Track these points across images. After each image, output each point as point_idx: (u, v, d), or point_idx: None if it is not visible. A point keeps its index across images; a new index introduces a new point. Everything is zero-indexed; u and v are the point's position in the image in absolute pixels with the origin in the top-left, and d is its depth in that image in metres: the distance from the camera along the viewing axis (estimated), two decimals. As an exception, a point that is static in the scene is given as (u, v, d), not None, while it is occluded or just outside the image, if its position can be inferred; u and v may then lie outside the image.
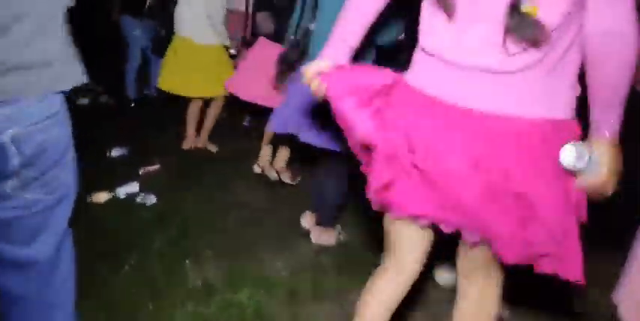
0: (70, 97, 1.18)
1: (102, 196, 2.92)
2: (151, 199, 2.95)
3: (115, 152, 3.61)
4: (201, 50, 3.55)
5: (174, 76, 3.60)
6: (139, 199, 2.94)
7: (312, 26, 2.25)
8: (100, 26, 4.79)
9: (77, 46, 1.14)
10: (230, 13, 3.64)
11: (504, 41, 1.10)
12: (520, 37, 1.08)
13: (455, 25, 1.18)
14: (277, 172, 3.31)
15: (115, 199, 2.93)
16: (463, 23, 1.17)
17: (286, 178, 3.31)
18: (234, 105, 4.13)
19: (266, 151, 3.40)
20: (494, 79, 1.15)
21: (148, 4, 4.10)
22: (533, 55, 1.11)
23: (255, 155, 3.47)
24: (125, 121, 4.34)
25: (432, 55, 1.24)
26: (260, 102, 3.05)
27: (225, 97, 3.76)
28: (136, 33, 4.40)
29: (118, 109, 4.70)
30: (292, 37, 2.38)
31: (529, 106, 1.15)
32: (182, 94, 3.68)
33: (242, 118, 4.54)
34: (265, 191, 3.21)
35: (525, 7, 1.07)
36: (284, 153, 3.31)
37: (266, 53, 2.86)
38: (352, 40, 1.37)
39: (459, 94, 1.19)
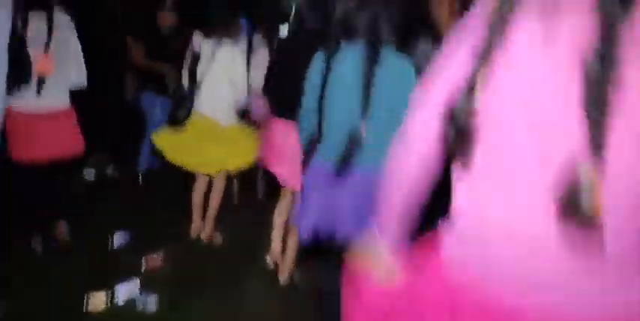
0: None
1: (99, 300, 2.65)
2: (152, 304, 2.67)
3: (118, 239, 3.34)
4: (224, 130, 3.30)
5: (191, 151, 3.29)
6: (139, 306, 2.66)
7: (362, 127, 1.96)
8: (113, 100, 4.64)
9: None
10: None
11: (558, 219, 0.84)
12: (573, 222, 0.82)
13: (494, 191, 0.94)
14: (288, 273, 2.98)
15: (114, 307, 2.65)
16: (504, 191, 0.92)
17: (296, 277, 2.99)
18: (248, 177, 3.88)
19: (277, 242, 3.09)
20: (550, 262, 0.88)
21: (173, 86, 3.85)
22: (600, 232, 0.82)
23: (269, 239, 3.15)
24: (131, 198, 4.10)
25: (470, 225, 0.99)
26: (282, 182, 2.86)
27: (228, 175, 3.55)
28: (157, 110, 4.17)
29: (124, 183, 4.46)
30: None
31: (597, 297, 0.87)
32: (200, 170, 3.41)
33: (256, 192, 4.25)
34: (279, 295, 2.89)
35: (584, 169, 0.79)
36: (294, 242, 2.96)
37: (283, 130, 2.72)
38: (413, 220, 1.16)
39: (509, 280, 0.92)
